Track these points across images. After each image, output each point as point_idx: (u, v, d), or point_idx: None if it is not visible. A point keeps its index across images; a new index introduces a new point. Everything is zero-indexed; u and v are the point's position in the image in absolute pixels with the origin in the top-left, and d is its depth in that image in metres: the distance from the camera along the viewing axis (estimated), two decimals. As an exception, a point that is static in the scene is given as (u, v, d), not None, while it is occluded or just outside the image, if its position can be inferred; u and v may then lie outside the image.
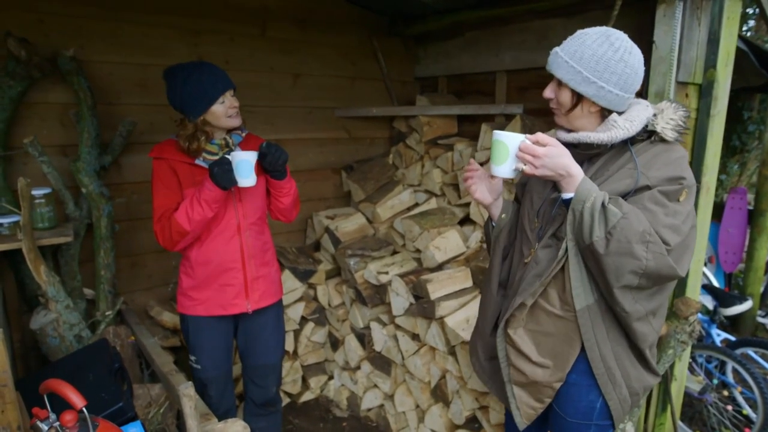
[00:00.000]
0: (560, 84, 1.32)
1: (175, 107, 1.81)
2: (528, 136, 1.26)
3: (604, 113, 1.33)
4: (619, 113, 1.32)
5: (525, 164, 1.25)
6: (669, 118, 1.30)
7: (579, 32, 1.31)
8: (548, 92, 1.36)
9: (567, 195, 1.26)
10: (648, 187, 1.25)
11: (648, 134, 1.32)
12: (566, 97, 1.31)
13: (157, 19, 2.43)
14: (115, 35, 2.33)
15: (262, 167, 1.83)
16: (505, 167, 1.29)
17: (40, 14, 2.14)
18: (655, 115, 1.31)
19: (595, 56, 1.25)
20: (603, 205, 1.18)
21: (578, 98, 1.30)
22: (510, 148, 1.27)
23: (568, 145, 1.30)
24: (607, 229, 1.17)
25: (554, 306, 1.36)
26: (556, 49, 1.33)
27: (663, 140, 1.30)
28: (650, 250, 1.16)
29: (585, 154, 1.34)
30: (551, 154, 1.22)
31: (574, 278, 1.30)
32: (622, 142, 1.31)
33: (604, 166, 1.33)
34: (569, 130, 1.36)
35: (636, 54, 1.28)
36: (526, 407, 1.45)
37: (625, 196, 1.26)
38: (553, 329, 1.37)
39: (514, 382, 1.46)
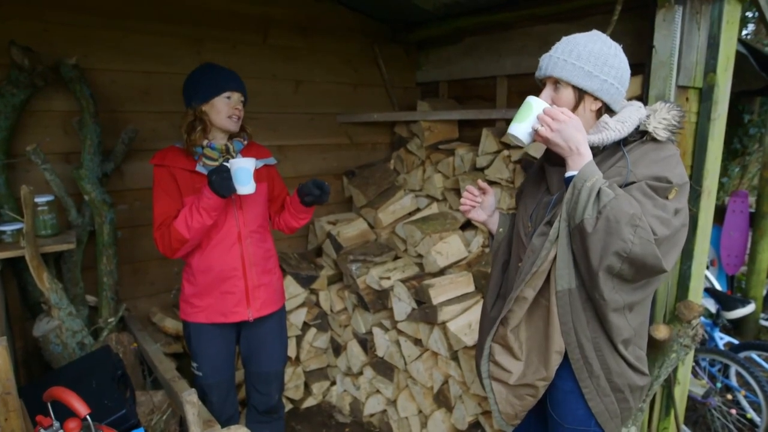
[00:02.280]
0: (558, 86, 1.33)
1: (187, 100, 1.84)
2: (555, 106, 1.30)
3: (600, 113, 1.34)
4: (613, 113, 1.34)
5: (543, 126, 1.27)
6: (662, 117, 1.30)
7: (565, 38, 1.35)
8: (545, 99, 1.35)
9: (571, 172, 1.26)
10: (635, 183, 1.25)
11: (641, 134, 1.32)
12: (568, 97, 1.32)
13: (161, 28, 2.45)
14: (118, 43, 2.35)
15: (304, 201, 1.88)
16: (523, 126, 1.33)
17: (45, 23, 2.16)
18: (648, 115, 1.32)
19: (592, 53, 1.28)
20: (600, 188, 1.19)
21: (580, 96, 1.31)
22: (534, 110, 1.31)
23: None
24: (598, 208, 1.18)
25: (546, 298, 1.35)
26: (549, 54, 1.34)
27: (654, 139, 1.30)
28: (637, 235, 1.16)
29: None
30: (570, 124, 1.24)
31: (560, 259, 1.29)
32: (615, 143, 1.32)
33: (598, 167, 1.33)
34: None
35: (622, 51, 1.34)
36: (505, 403, 1.45)
37: None
38: (541, 322, 1.37)
39: (493, 378, 1.46)
